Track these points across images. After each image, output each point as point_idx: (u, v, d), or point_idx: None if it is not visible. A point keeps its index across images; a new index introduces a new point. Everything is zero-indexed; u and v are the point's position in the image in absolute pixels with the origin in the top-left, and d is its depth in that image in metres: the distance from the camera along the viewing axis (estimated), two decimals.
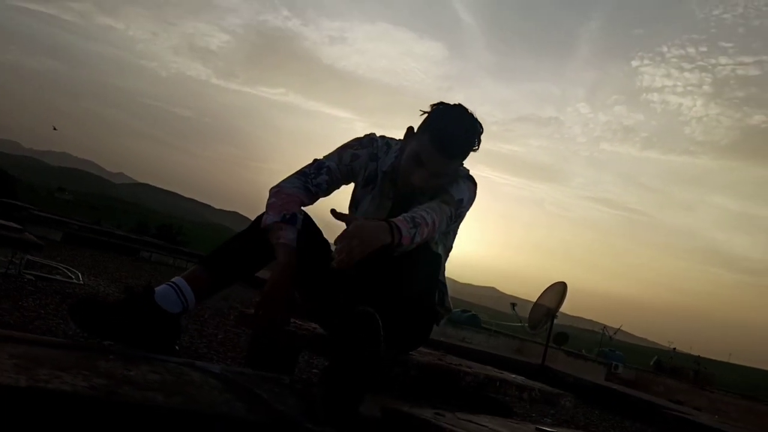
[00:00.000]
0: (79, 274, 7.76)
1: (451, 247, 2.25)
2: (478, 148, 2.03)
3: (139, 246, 15.29)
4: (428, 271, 1.95)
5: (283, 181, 2.10)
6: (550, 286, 8.47)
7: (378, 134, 2.23)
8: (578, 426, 5.79)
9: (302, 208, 2.07)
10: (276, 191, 2.04)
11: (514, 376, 2.36)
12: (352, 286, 1.93)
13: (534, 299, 8.72)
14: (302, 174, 2.12)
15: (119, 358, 1.45)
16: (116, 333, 1.61)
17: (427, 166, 1.96)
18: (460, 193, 2.06)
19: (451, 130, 1.96)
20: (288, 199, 2.00)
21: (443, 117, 2.00)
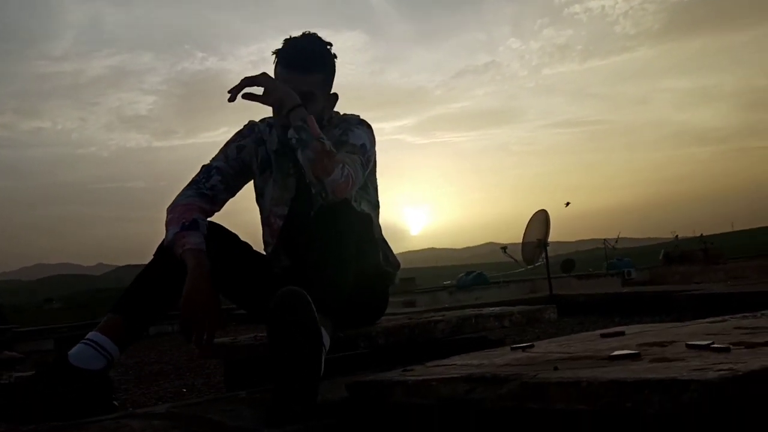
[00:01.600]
0: None
1: (377, 203, 2.16)
2: (333, 62, 2.02)
3: None
4: (358, 232, 1.84)
5: (177, 196, 2.02)
6: (532, 217, 8.41)
7: (258, 119, 2.17)
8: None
9: (208, 217, 1.99)
10: (171, 208, 1.96)
11: (491, 309, 2.26)
12: (285, 278, 1.84)
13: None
14: (193, 183, 2.05)
15: None
16: (40, 412, 1.49)
17: (284, 80, 1.90)
18: (358, 139, 1.99)
19: (294, 44, 1.96)
20: (184, 209, 1.93)
21: (285, 41, 1.99)
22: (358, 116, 2.11)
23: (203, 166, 2.09)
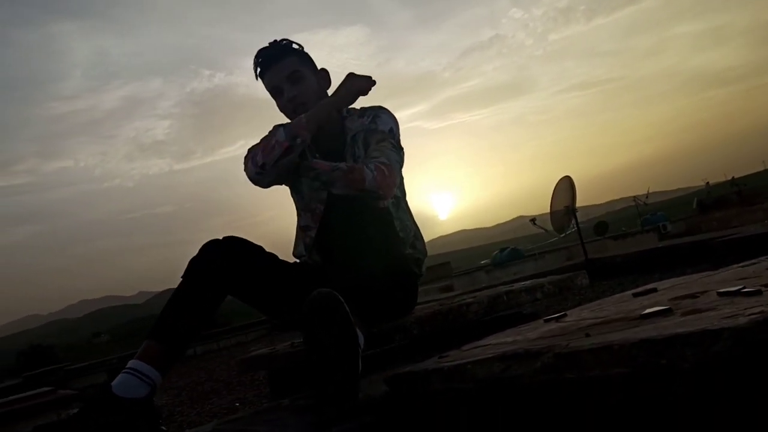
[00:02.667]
0: None
1: (404, 191, 2.24)
2: (299, 47, 2.17)
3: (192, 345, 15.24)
4: (380, 229, 1.88)
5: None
6: (557, 185, 8.33)
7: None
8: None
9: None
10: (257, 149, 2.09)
11: (522, 283, 2.25)
12: (315, 279, 1.88)
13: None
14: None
15: None
16: None
17: (276, 85, 2.12)
18: (385, 124, 2.15)
19: (261, 52, 2.15)
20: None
21: (255, 57, 2.15)
22: (379, 105, 2.23)
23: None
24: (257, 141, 2.11)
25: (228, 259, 1.89)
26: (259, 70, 2.14)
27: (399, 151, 2.09)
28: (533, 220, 11.97)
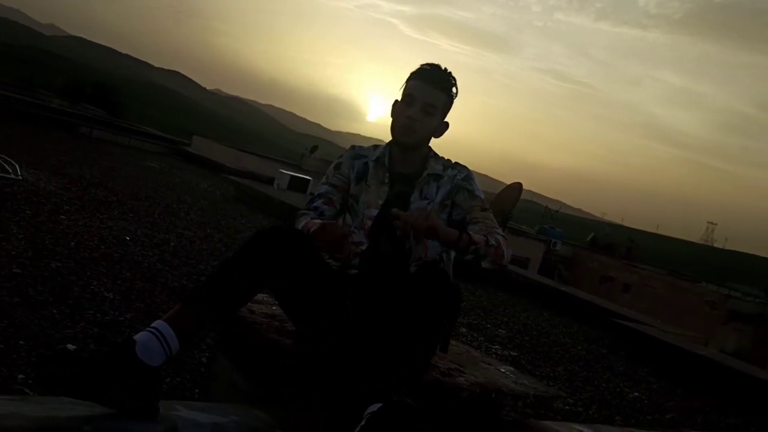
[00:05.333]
0: (17, 167, 7.36)
1: None
2: (456, 94, 2.26)
3: (76, 120, 14.55)
4: (449, 308, 1.91)
5: (302, 215, 2.22)
6: (507, 187, 8.45)
7: None
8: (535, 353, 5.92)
9: None
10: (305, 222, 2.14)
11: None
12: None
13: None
14: (303, 214, 2.23)
15: None
16: (92, 393, 1.45)
17: (418, 98, 2.18)
18: (479, 191, 2.29)
19: (434, 67, 2.23)
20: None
21: (423, 64, 2.25)
22: (458, 162, 2.33)
23: (310, 197, 2.33)
24: None
25: (281, 257, 1.83)
26: (418, 75, 2.22)
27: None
28: None
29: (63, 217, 5.68)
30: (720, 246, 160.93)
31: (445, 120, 2.28)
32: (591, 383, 5.01)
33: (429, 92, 2.18)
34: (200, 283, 1.75)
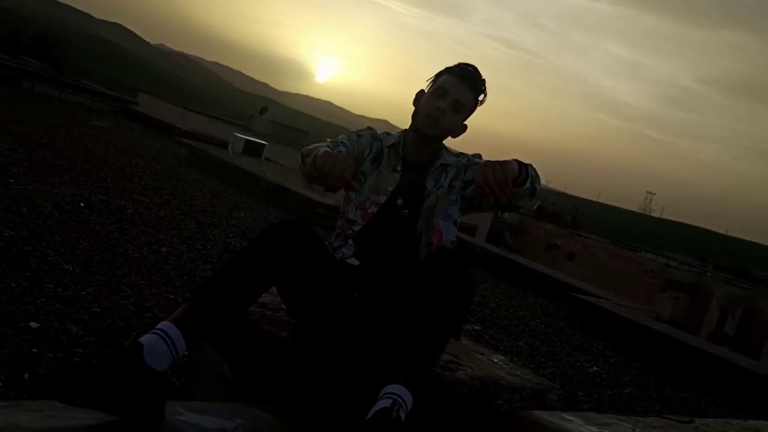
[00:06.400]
0: None
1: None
2: (483, 102, 2.25)
3: (17, 75, 13.88)
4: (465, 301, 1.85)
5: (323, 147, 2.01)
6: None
7: None
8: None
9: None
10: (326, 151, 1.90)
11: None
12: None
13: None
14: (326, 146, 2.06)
15: None
16: (99, 401, 1.35)
17: (451, 94, 2.16)
18: None
19: (472, 69, 2.22)
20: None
21: (462, 63, 2.23)
22: (479, 154, 2.29)
23: (330, 142, 2.12)
24: None
25: (292, 252, 1.76)
26: (455, 72, 2.21)
27: None
28: None
29: (12, 180, 5.42)
30: (657, 215, 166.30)
31: (465, 123, 2.26)
32: (552, 358, 5.09)
33: (463, 91, 2.18)
34: (207, 281, 1.67)
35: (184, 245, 5.01)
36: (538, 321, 6.42)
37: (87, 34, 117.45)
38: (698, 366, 5.43)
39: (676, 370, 5.48)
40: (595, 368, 5.14)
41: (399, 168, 2.22)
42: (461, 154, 2.29)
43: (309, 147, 2.05)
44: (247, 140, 12.02)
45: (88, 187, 6.09)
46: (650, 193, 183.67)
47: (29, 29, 35.68)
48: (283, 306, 2.05)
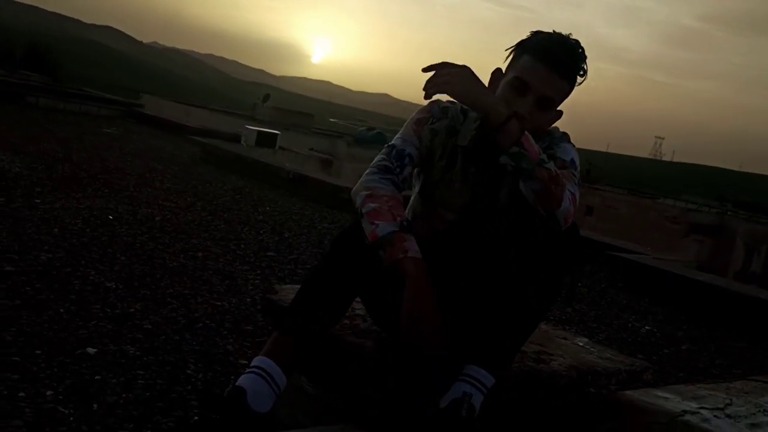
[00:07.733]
0: None
1: None
2: (585, 77, 1.75)
3: (20, 90, 13.80)
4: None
5: (368, 180, 1.69)
6: None
7: (444, 99, 1.79)
8: None
9: None
10: (369, 194, 1.63)
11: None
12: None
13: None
14: (386, 170, 1.71)
15: None
16: None
17: (535, 88, 1.67)
18: (567, 154, 1.75)
19: (557, 41, 1.70)
20: (391, 202, 1.62)
21: (543, 35, 1.72)
22: (557, 128, 1.86)
23: (393, 147, 1.77)
24: None
25: (367, 259, 1.61)
26: (540, 54, 1.69)
27: (578, 189, 1.71)
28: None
29: (38, 200, 5.35)
30: (668, 159, 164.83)
31: (559, 108, 1.80)
32: (603, 322, 5.00)
33: (551, 82, 1.70)
34: (292, 305, 1.58)
35: (218, 247, 4.95)
36: (580, 285, 6.33)
37: (79, 39, 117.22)
38: (748, 313, 5.33)
39: (725, 320, 5.38)
40: (647, 327, 5.05)
41: (474, 179, 1.79)
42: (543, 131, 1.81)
43: (359, 188, 1.69)
44: (259, 132, 11.93)
45: (113, 199, 6.02)
46: (659, 137, 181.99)
47: (21, 40, 35.51)
48: (358, 312, 1.97)
